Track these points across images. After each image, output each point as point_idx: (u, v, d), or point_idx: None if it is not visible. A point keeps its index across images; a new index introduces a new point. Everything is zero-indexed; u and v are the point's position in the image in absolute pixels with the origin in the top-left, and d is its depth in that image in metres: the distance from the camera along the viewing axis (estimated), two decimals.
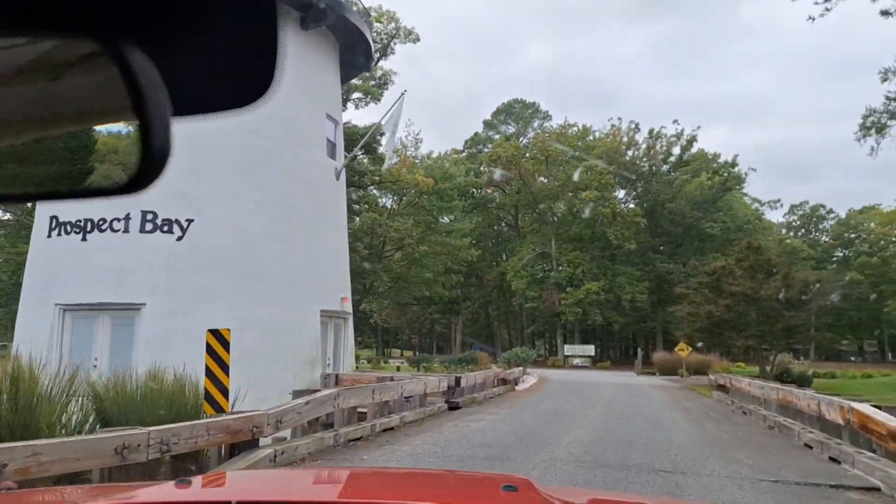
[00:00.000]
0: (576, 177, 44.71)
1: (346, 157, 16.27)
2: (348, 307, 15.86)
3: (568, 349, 48.52)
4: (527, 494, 1.23)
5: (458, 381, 13.92)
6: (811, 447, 9.38)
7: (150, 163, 0.57)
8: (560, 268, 50.64)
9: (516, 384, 23.27)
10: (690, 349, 29.35)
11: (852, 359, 71.07)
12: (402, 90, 17.22)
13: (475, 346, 64.18)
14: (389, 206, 32.74)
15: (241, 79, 0.58)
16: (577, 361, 47.06)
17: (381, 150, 24.65)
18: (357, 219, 27.68)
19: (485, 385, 17.86)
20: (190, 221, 13.65)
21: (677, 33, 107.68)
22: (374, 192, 32.88)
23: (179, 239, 13.67)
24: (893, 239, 70.21)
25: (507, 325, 69.58)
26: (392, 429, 10.43)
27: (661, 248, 53.16)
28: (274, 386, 13.08)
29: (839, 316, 44.74)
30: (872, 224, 74.47)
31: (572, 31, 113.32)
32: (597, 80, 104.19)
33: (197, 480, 1.53)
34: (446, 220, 37.84)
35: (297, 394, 11.09)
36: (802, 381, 23.23)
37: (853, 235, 75.30)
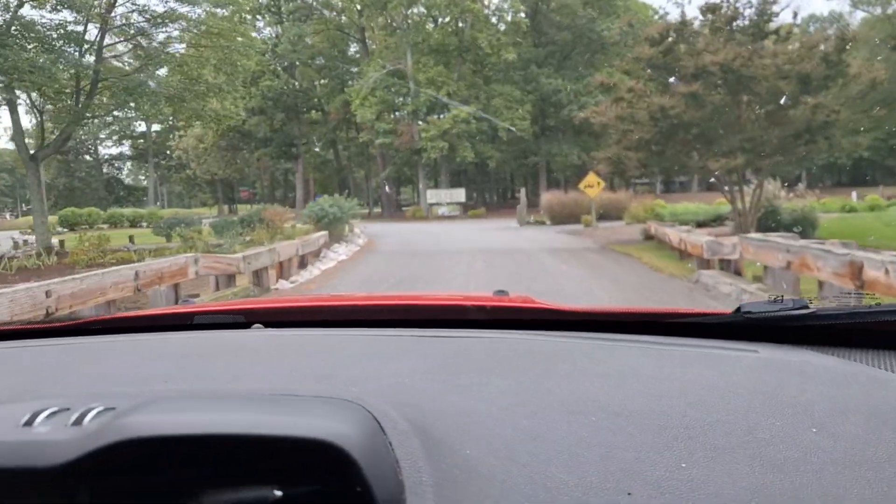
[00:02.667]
0: None
1: None
2: None
3: (431, 195, 37.53)
4: (524, 297, 1.29)
5: None
6: None
7: None
8: (417, 88, 38.20)
9: (303, 267, 11.87)
10: (602, 184, 18.93)
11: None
12: None
13: (318, 197, 52.03)
14: None
15: None
16: (442, 211, 36.40)
17: None
18: None
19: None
20: None
21: None
22: None
23: None
24: None
25: (364, 170, 57.46)
26: None
27: (547, 60, 41.75)
28: None
29: None
30: None
31: None
32: None
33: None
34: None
35: None
36: (801, 228, 13.46)
37: None
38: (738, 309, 0.89)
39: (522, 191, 28.13)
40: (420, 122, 37.72)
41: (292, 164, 50.46)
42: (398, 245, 16.85)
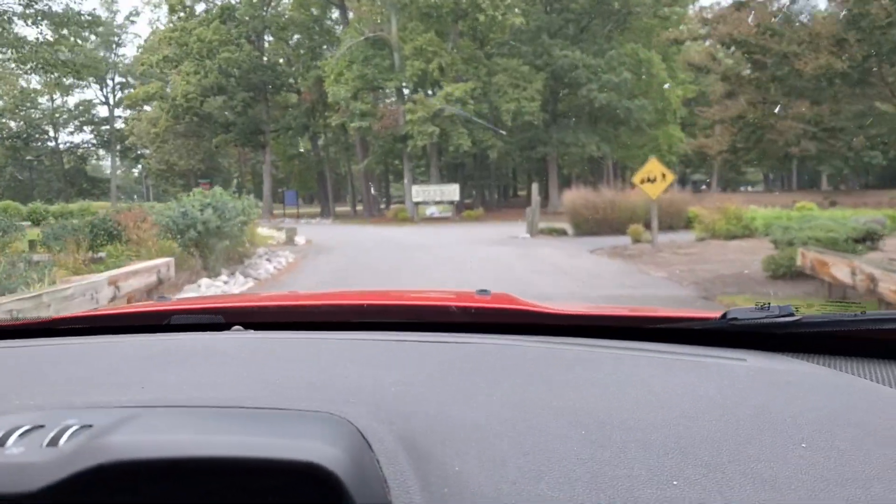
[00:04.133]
0: None
1: None
2: None
3: (417, 192, 30.44)
4: (505, 296, 1.31)
5: None
6: None
7: None
8: (402, 60, 31.11)
9: None
10: (671, 178, 11.91)
11: (749, 189, 59.29)
12: None
13: (289, 194, 44.83)
14: None
15: None
16: (431, 211, 29.39)
17: None
18: None
19: None
20: None
21: None
22: None
23: None
24: None
25: (346, 162, 50.40)
26: None
27: (561, 30, 34.71)
28: None
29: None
30: None
31: None
32: None
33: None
34: None
35: None
36: None
37: None
38: (725, 315, 0.89)
39: (534, 187, 21.05)
40: (407, 104, 30.65)
41: (262, 154, 43.38)
42: (332, 274, 9.91)
